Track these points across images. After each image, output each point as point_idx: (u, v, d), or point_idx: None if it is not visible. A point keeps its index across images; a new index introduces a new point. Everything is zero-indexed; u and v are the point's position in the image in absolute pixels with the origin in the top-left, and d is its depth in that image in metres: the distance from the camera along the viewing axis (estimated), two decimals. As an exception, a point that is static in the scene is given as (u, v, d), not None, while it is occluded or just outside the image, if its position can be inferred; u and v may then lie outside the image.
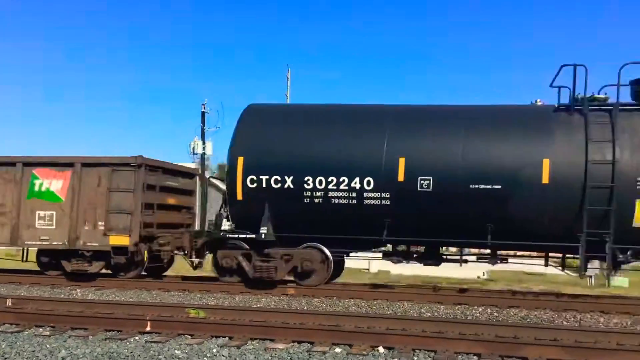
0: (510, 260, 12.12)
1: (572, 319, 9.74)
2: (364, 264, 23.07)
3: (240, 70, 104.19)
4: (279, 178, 11.66)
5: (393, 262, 12.17)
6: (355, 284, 13.58)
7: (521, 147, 10.96)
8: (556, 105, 11.48)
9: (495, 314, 10.09)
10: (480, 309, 10.35)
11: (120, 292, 11.82)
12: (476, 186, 10.90)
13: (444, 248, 13.24)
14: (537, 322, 9.57)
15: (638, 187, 10.39)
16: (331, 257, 11.84)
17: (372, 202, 11.33)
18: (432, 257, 12.20)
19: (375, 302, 10.85)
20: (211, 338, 7.58)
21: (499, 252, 11.82)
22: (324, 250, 11.80)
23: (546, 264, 12.02)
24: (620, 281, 18.41)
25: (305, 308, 10.32)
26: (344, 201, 11.43)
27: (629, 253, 10.66)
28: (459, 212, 10.99)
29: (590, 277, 18.26)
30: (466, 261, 12.07)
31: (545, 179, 10.64)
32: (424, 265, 12.46)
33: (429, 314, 10.05)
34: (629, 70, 11.16)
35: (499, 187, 10.81)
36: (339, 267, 13.30)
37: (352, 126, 11.87)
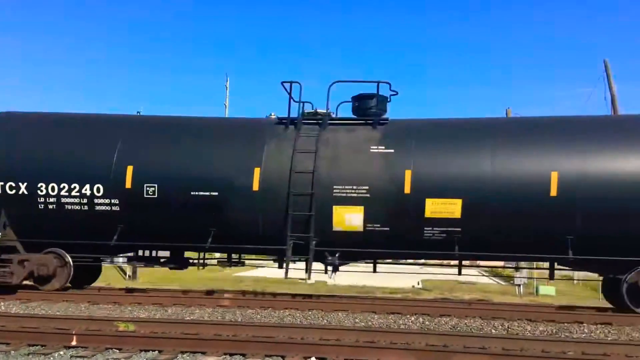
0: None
1: (500, 327, 10.00)
2: (301, 274, 23.11)
3: (241, 68, 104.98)
4: (13, 184, 12.01)
5: (137, 267, 12.77)
6: (290, 294, 13.53)
7: (237, 156, 11.72)
8: (277, 119, 12.40)
9: (427, 322, 10.25)
10: (412, 318, 10.50)
11: (47, 305, 11.37)
12: (196, 193, 11.55)
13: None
14: (466, 330, 9.78)
15: (334, 194, 11.22)
16: (71, 262, 12.11)
17: (103, 208, 11.83)
18: (177, 262, 12.82)
19: (310, 313, 10.85)
20: (140, 352, 7.41)
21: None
22: (62, 255, 12.13)
23: (280, 267, 12.41)
24: (548, 290, 19.13)
25: (239, 319, 10.22)
26: (77, 207, 11.88)
27: (336, 255, 11.50)
28: (183, 217, 11.65)
29: (519, 285, 18.90)
30: (206, 264, 12.82)
31: (255, 187, 11.40)
32: (171, 269, 13.05)
33: (362, 324, 10.13)
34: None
35: (217, 193, 11.52)
36: (93, 271, 13.71)
37: (85, 134, 12.43)
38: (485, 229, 10.96)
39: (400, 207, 11.07)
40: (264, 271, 26.68)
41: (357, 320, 10.36)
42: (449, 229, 11.04)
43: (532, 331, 9.77)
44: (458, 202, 10.92)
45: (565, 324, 10.19)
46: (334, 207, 11.23)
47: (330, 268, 11.73)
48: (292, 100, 12.07)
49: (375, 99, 11.96)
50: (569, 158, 10.90)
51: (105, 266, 19.07)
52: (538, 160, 10.96)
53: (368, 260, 12.63)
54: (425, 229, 11.09)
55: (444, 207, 10.96)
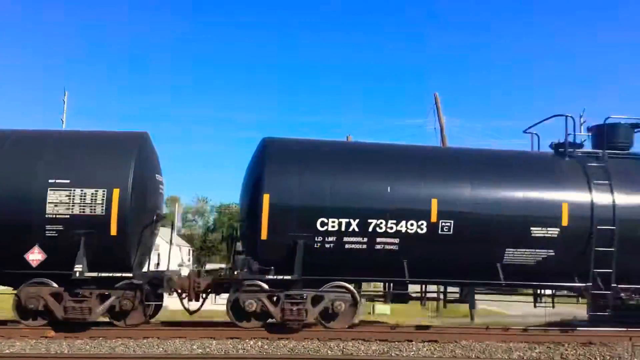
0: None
1: (336, 347, 10.25)
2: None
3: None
4: None
5: None
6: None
7: None
8: None
9: (265, 346, 10.25)
10: (251, 342, 10.44)
11: None
12: None
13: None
14: (304, 352, 9.91)
15: None
16: None
17: None
18: None
19: (146, 341, 10.39)
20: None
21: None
22: None
23: None
24: (384, 309, 19.97)
25: (66, 351, 9.54)
26: None
27: None
28: None
29: (357, 306, 19.51)
30: None
31: None
32: None
33: (200, 351, 9.90)
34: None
35: None
36: None
37: None
38: None
39: None
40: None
41: (194, 347, 10.11)
42: None
43: (365, 350, 10.12)
44: None
45: (396, 343, 10.68)
46: None
47: None
48: None
49: None
50: None
51: None
52: None
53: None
54: None
55: None
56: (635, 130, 13.19)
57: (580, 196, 11.77)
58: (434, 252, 11.39)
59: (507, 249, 11.53)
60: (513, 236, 11.52)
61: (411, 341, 10.81)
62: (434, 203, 11.36)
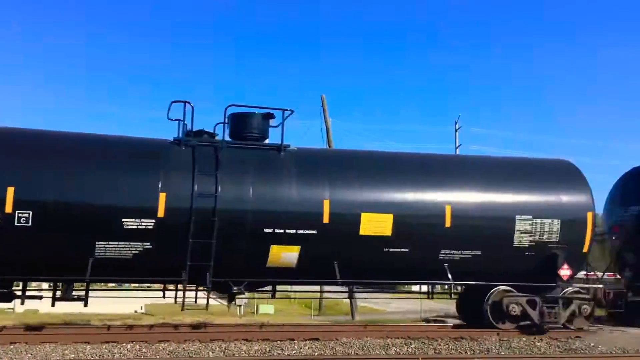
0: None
1: (218, 349, 10.14)
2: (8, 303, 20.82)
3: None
4: None
5: None
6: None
7: None
8: None
9: (144, 349, 9.94)
10: (129, 346, 10.09)
11: None
12: None
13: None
14: (185, 354, 9.72)
15: None
16: None
17: None
18: None
19: (13, 347, 9.76)
20: None
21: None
22: None
23: None
24: (267, 309, 20.07)
25: None
26: None
27: None
28: None
29: (240, 306, 19.47)
30: None
31: None
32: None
33: (73, 356, 9.44)
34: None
35: None
36: None
37: None
38: None
39: None
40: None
41: (67, 352, 9.62)
42: None
43: (247, 351, 10.09)
44: None
45: (278, 342, 10.73)
46: None
47: None
48: None
49: None
50: None
51: None
52: None
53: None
54: None
55: None
56: (271, 124, 12.38)
57: (180, 187, 11.01)
58: (11, 247, 10.36)
59: (97, 242, 10.67)
60: (103, 228, 10.67)
61: (293, 340, 10.91)
62: (10, 192, 10.29)
